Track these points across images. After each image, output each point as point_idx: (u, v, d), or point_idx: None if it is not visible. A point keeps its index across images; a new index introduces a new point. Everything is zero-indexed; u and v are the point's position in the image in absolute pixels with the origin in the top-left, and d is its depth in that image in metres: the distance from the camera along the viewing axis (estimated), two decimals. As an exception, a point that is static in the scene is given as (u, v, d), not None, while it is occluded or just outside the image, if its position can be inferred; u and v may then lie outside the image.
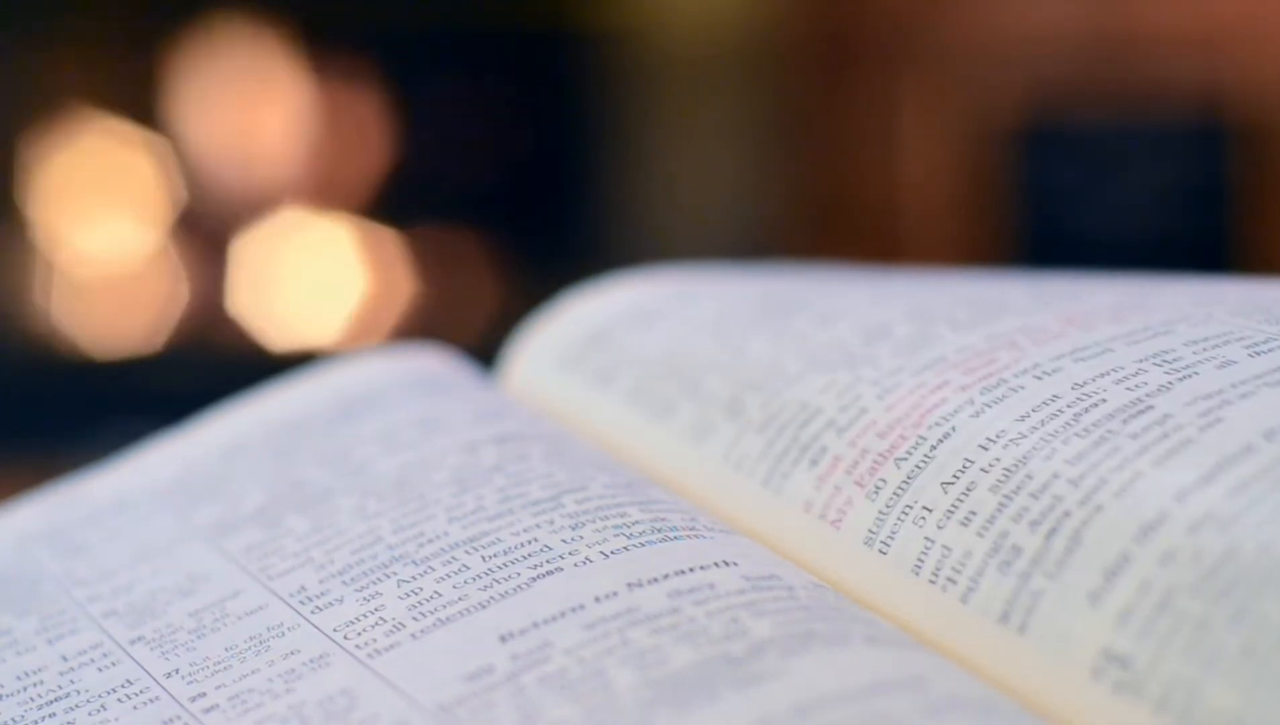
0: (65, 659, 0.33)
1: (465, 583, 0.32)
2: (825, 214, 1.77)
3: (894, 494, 0.33)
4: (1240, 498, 0.28)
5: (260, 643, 0.32)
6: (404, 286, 1.70)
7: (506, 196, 1.75)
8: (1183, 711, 0.26)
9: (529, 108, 1.74)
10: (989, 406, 0.33)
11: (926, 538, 0.32)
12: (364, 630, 0.31)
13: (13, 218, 1.65)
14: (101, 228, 1.67)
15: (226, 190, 1.69)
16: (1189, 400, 0.31)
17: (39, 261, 1.66)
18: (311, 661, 0.31)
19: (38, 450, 1.48)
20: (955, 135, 1.71)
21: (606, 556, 0.32)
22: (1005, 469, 0.31)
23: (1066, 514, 0.30)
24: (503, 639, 0.30)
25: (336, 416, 0.40)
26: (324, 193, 1.70)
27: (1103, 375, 0.33)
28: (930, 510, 0.32)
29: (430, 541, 0.33)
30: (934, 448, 0.33)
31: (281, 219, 1.69)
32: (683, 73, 1.71)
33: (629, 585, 0.31)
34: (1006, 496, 0.31)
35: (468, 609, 0.31)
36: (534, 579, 0.31)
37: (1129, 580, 0.28)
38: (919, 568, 0.31)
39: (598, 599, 0.30)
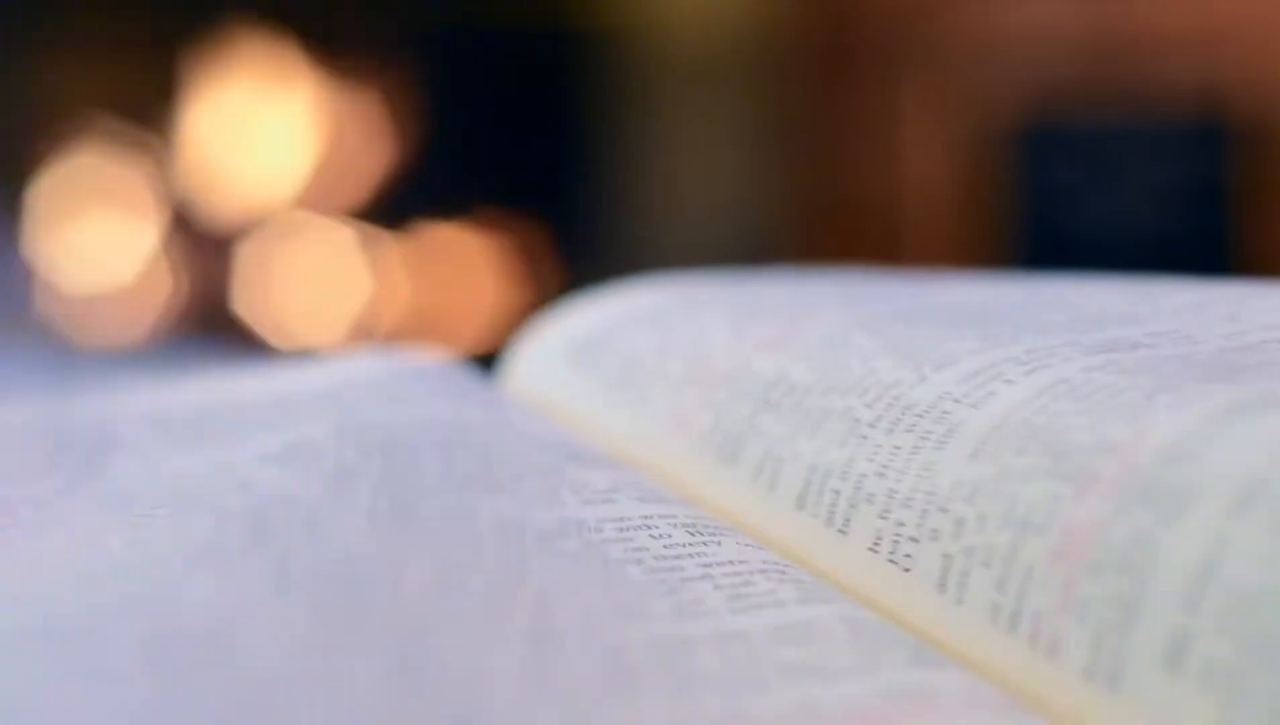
0: None
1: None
2: (825, 214, 1.77)
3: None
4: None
5: None
6: (404, 288, 1.70)
7: (507, 197, 1.75)
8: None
9: (530, 108, 1.74)
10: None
11: (880, 518, 0.33)
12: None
13: (16, 219, 1.65)
14: (105, 229, 1.68)
15: (229, 192, 1.69)
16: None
17: (43, 263, 1.66)
18: None
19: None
20: (955, 135, 1.71)
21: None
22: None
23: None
24: None
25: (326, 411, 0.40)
26: (326, 195, 1.70)
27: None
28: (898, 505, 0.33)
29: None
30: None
31: (283, 221, 1.69)
32: (683, 73, 1.71)
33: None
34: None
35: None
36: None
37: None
38: (877, 548, 0.33)
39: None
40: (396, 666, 0.29)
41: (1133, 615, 0.28)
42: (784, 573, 0.32)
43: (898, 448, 0.33)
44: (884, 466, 0.33)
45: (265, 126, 1.69)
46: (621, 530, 0.33)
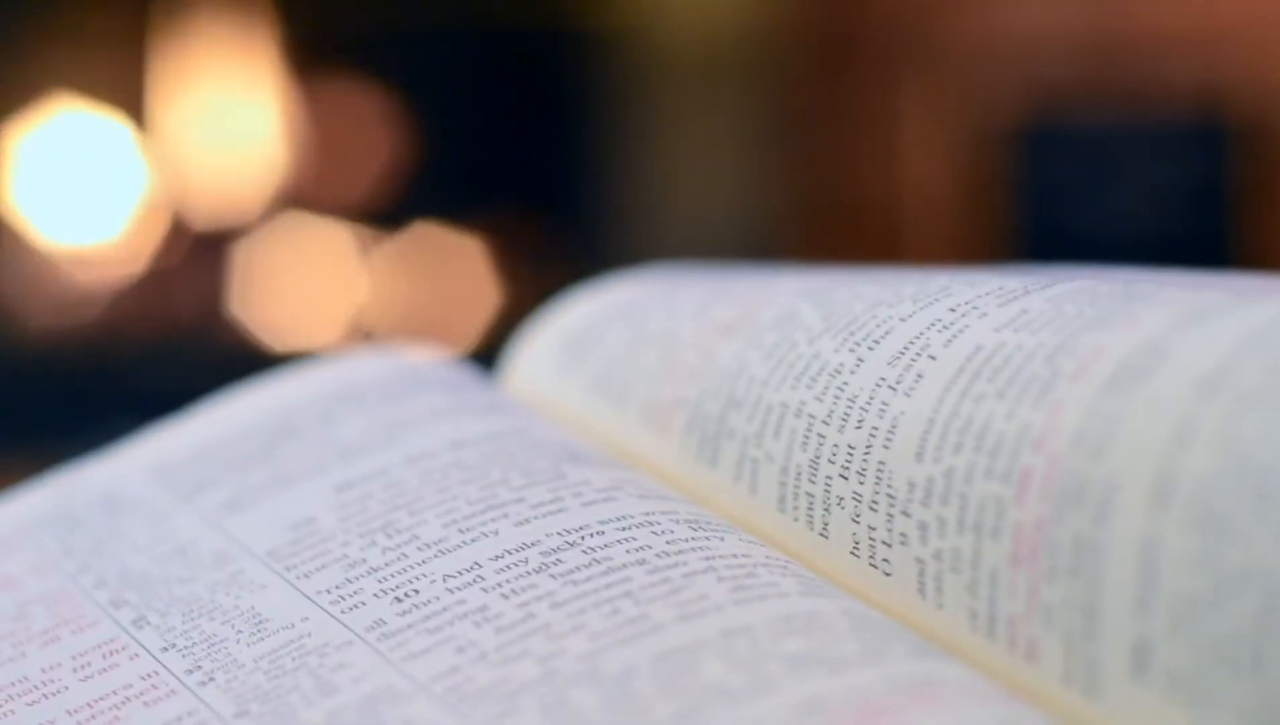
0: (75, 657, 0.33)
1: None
2: (825, 214, 1.77)
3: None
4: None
5: (258, 621, 0.32)
6: (403, 287, 1.70)
7: (506, 196, 1.75)
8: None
9: (530, 108, 1.74)
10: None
11: (853, 522, 0.32)
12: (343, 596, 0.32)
13: (10, 218, 1.65)
14: (100, 229, 1.67)
15: (226, 191, 1.69)
16: None
17: (36, 262, 1.66)
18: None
19: (35, 450, 1.48)
20: (955, 135, 1.71)
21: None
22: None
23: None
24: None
25: (324, 412, 0.40)
26: (323, 193, 1.70)
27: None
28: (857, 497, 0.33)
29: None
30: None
31: (281, 220, 1.69)
32: (683, 73, 1.71)
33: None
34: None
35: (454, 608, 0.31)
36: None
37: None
38: (857, 552, 0.32)
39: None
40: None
41: (1095, 621, 0.27)
42: (786, 567, 0.32)
43: (852, 448, 0.33)
44: (845, 468, 0.33)
45: (259, 126, 1.69)
46: (623, 529, 0.33)
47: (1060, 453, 0.28)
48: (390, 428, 0.38)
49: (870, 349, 0.34)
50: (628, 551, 0.32)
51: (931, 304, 0.34)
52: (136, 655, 0.33)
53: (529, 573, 0.32)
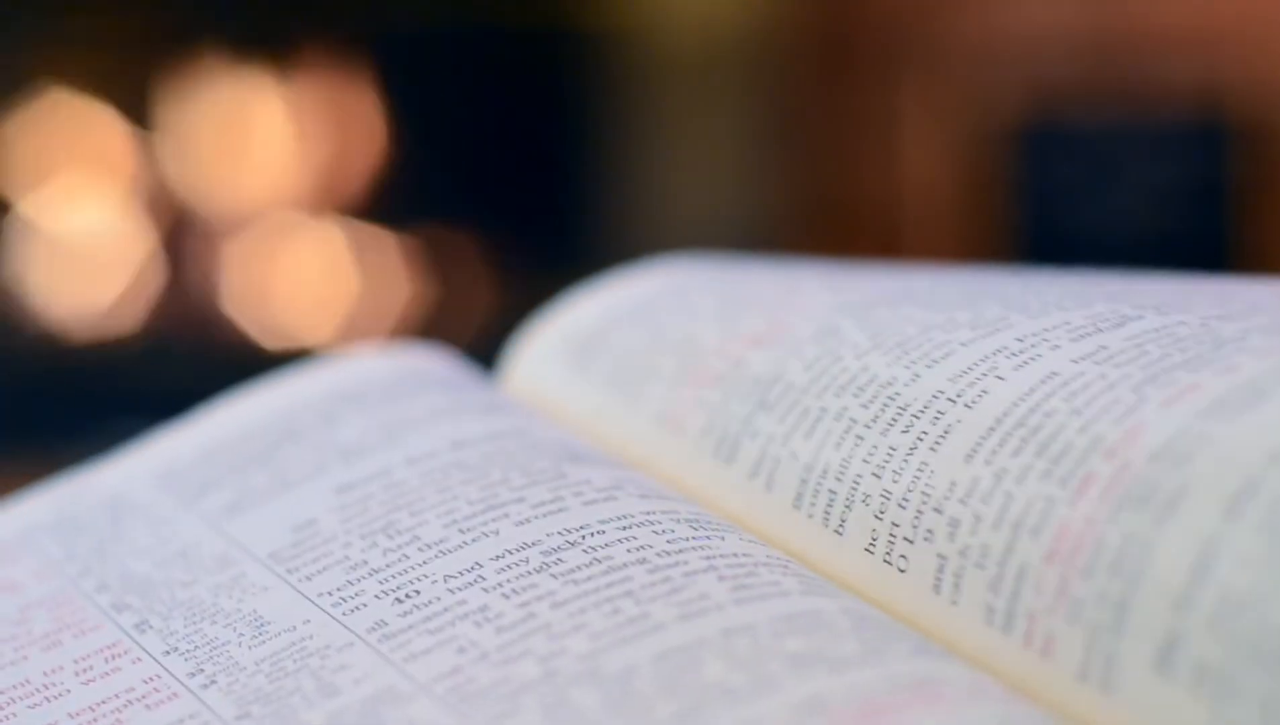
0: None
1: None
2: (825, 214, 1.77)
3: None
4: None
5: (260, 624, 0.32)
6: (403, 287, 1.70)
7: (506, 196, 1.75)
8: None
9: (529, 108, 1.74)
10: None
11: (876, 518, 0.33)
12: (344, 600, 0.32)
13: (8, 216, 1.65)
14: (98, 226, 1.68)
15: (222, 189, 1.69)
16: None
17: (35, 261, 1.66)
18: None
19: (33, 449, 1.48)
20: (955, 135, 1.71)
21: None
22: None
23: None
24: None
25: (325, 413, 0.40)
26: (321, 192, 1.70)
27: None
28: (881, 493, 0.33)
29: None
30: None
31: (278, 218, 1.69)
32: (683, 73, 1.71)
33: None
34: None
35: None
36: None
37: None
38: (873, 549, 0.33)
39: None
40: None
41: (1124, 616, 0.28)
42: (786, 566, 0.32)
43: (893, 448, 0.33)
44: (880, 467, 0.33)
45: (255, 124, 1.69)
46: (624, 528, 0.33)
47: (1134, 461, 0.29)
48: (390, 428, 0.38)
49: (928, 367, 0.34)
50: (628, 551, 0.32)
51: (994, 332, 0.34)
52: (139, 659, 0.33)
53: (530, 572, 0.32)
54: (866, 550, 0.33)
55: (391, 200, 1.71)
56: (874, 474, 0.33)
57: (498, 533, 0.33)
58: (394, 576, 0.33)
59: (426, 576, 0.32)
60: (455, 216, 1.74)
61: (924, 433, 0.33)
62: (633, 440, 0.39)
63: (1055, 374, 0.32)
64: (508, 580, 0.32)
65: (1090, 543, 0.29)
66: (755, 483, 0.35)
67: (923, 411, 0.33)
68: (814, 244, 1.73)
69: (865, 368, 0.35)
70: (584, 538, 0.33)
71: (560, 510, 0.34)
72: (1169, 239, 1.64)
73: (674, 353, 0.40)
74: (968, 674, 0.29)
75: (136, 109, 1.66)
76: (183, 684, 0.32)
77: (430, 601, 0.32)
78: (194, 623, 0.33)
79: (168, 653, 0.33)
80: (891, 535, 0.32)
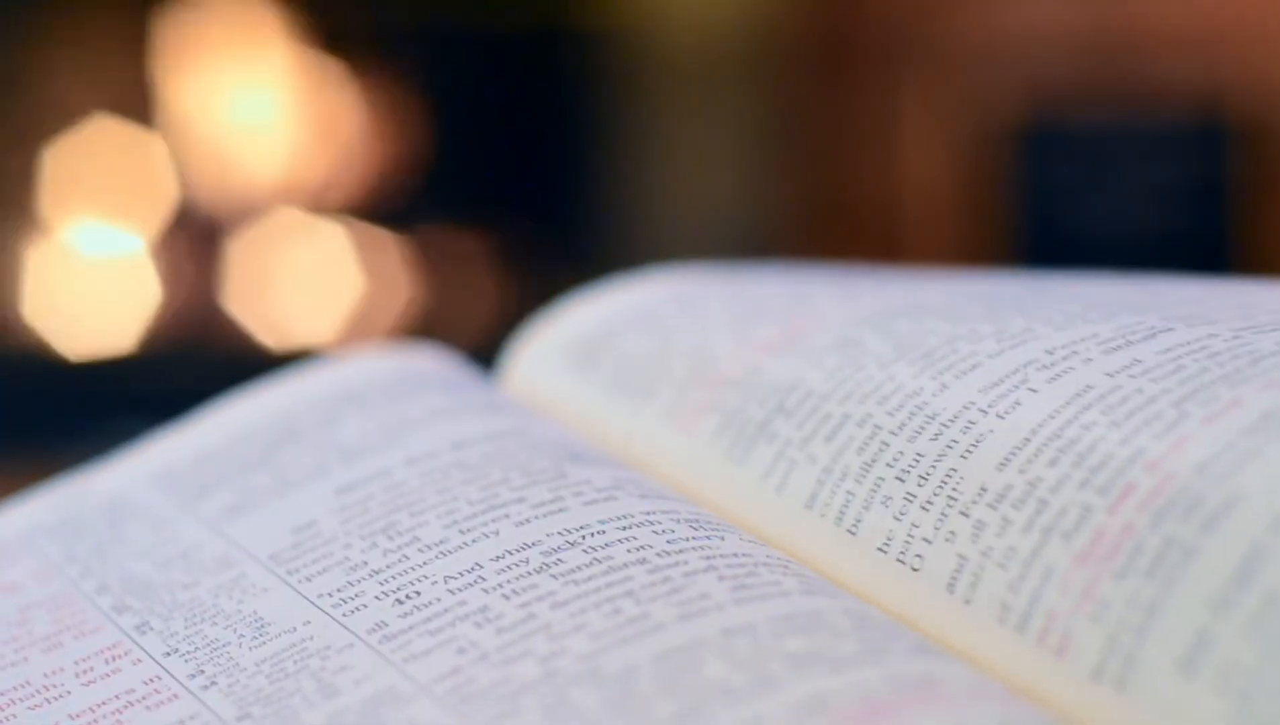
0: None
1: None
2: (825, 214, 1.77)
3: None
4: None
5: (260, 625, 0.32)
6: (403, 287, 1.70)
7: (506, 196, 1.75)
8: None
9: (529, 107, 1.74)
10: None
11: (894, 519, 0.33)
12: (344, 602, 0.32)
13: (8, 217, 1.65)
14: (97, 226, 1.68)
15: (223, 189, 1.69)
16: None
17: (35, 261, 1.66)
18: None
19: (33, 450, 1.48)
20: (955, 135, 1.71)
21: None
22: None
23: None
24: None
25: (325, 414, 0.40)
26: (322, 192, 1.70)
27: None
28: (899, 495, 0.33)
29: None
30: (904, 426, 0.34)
31: (278, 218, 1.69)
32: (683, 73, 1.71)
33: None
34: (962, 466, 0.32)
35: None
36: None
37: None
38: (886, 548, 0.33)
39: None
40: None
41: (1153, 617, 0.28)
42: (787, 566, 0.32)
43: (921, 454, 0.33)
44: (905, 471, 0.33)
45: (256, 123, 1.69)
46: (624, 528, 0.33)
47: (1178, 473, 0.30)
48: (391, 429, 0.39)
49: (957, 378, 0.34)
50: (628, 551, 0.32)
51: (1021, 344, 0.35)
52: (139, 660, 0.33)
53: (530, 573, 0.32)
54: (880, 550, 0.33)
55: (392, 199, 1.71)
56: (898, 478, 0.33)
57: (498, 533, 0.33)
58: (394, 577, 0.33)
59: (427, 577, 0.32)
60: (457, 217, 1.73)
61: (954, 441, 0.33)
62: (635, 440, 0.39)
63: (1091, 387, 0.32)
64: (508, 581, 0.32)
65: (1128, 547, 0.29)
66: (767, 484, 0.35)
67: (953, 421, 0.33)
68: (814, 244, 1.73)
69: (890, 377, 0.35)
70: (584, 538, 0.33)
71: (560, 510, 0.34)
72: (1169, 239, 1.64)
73: (685, 357, 0.40)
74: (968, 674, 0.29)
75: (136, 109, 1.66)
76: (183, 685, 0.32)
77: (430, 602, 0.32)
78: (194, 624, 0.33)
79: (168, 654, 0.33)
80: (909, 536, 0.32)
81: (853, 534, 0.33)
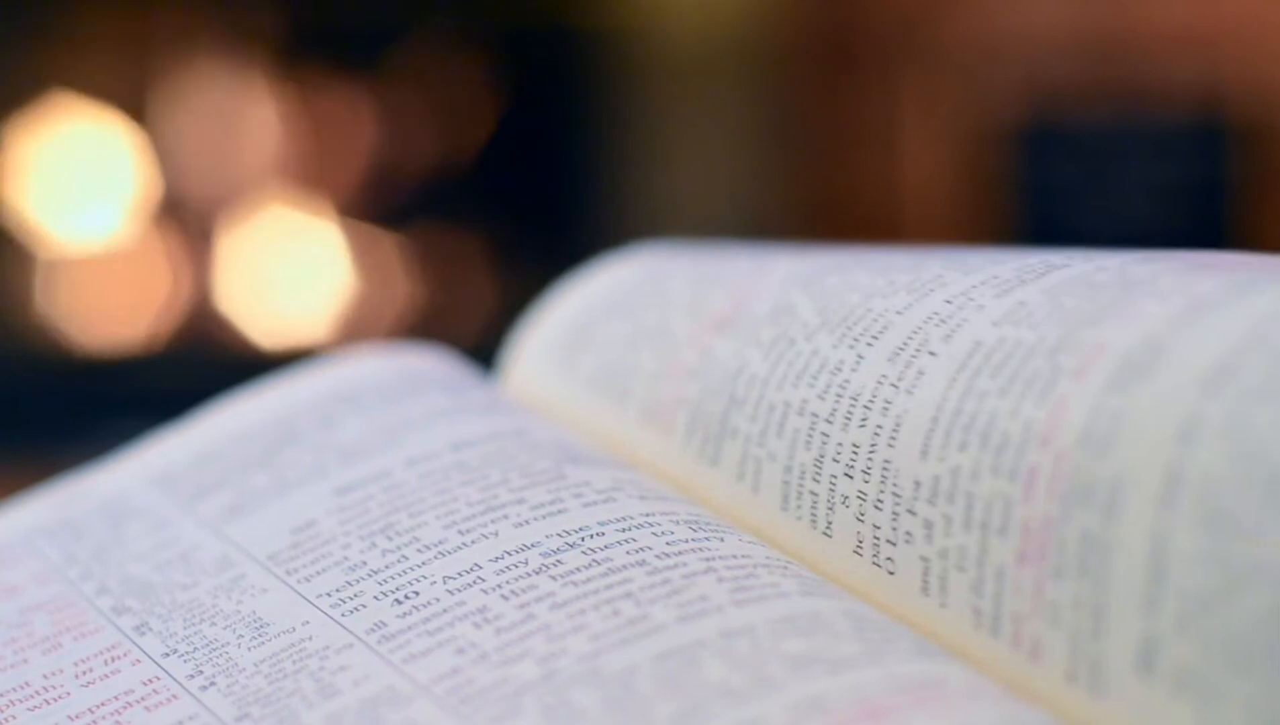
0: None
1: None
2: (825, 214, 1.77)
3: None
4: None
5: (259, 626, 0.33)
6: (401, 286, 1.70)
7: (506, 195, 1.75)
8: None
9: (529, 106, 1.74)
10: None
11: (857, 520, 0.32)
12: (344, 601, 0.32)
13: (4, 217, 1.65)
14: (93, 226, 1.68)
15: (218, 188, 1.69)
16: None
17: (30, 261, 1.66)
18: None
19: (30, 449, 1.48)
20: (955, 135, 1.71)
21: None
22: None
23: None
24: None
25: (324, 414, 0.40)
26: (317, 191, 1.70)
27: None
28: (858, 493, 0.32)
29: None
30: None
31: (273, 217, 1.69)
32: (683, 72, 1.71)
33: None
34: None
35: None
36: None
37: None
38: (860, 551, 0.32)
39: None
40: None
41: (1100, 619, 0.27)
42: (786, 568, 0.32)
43: (857, 446, 0.32)
44: (850, 467, 0.33)
45: (251, 125, 1.69)
46: (624, 530, 0.33)
47: (1066, 450, 0.28)
48: (390, 430, 0.38)
49: (869, 345, 0.34)
50: (628, 552, 0.32)
51: (927, 295, 0.34)
52: (139, 661, 0.33)
53: (529, 574, 0.32)
54: (855, 552, 0.32)
55: (391, 198, 1.71)
56: (846, 474, 0.33)
57: (497, 534, 0.33)
58: (393, 578, 0.33)
59: (425, 578, 0.32)
60: (455, 216, 1.73)
61: (879, 427, 0.32)
62: (625, 440, 0.39)
63: (979, 344, 0.31)
64: (507, 582, 0.32)
65: (1053, 543, 0.28)
66: (743, 485, 0.35)
67: (872, 402, 0.33)
68: (813, 243, 1.73)
69: (816, 351, 0.35)
70: (583, 539, 0.33)
71: (560, 512, 0.34)
72: (1169, 239, 1.64)
73: (651, 344, 0.39)
74: (968, 674, 0.28)
75: (135, 109, 1.66)
76: (182, 686, 0.32)
77: (429, 603, 0.32)
78: (193, 625, 0.33)
79: (167, 655, 0.33)
80: (875, 538, 0.32)
81: (829, 537, 0.33)
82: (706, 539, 0.33)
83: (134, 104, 1.66)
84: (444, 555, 0.33)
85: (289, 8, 1.69)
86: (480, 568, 0.32)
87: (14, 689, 0.33)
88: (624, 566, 0.32)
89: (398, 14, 1.71)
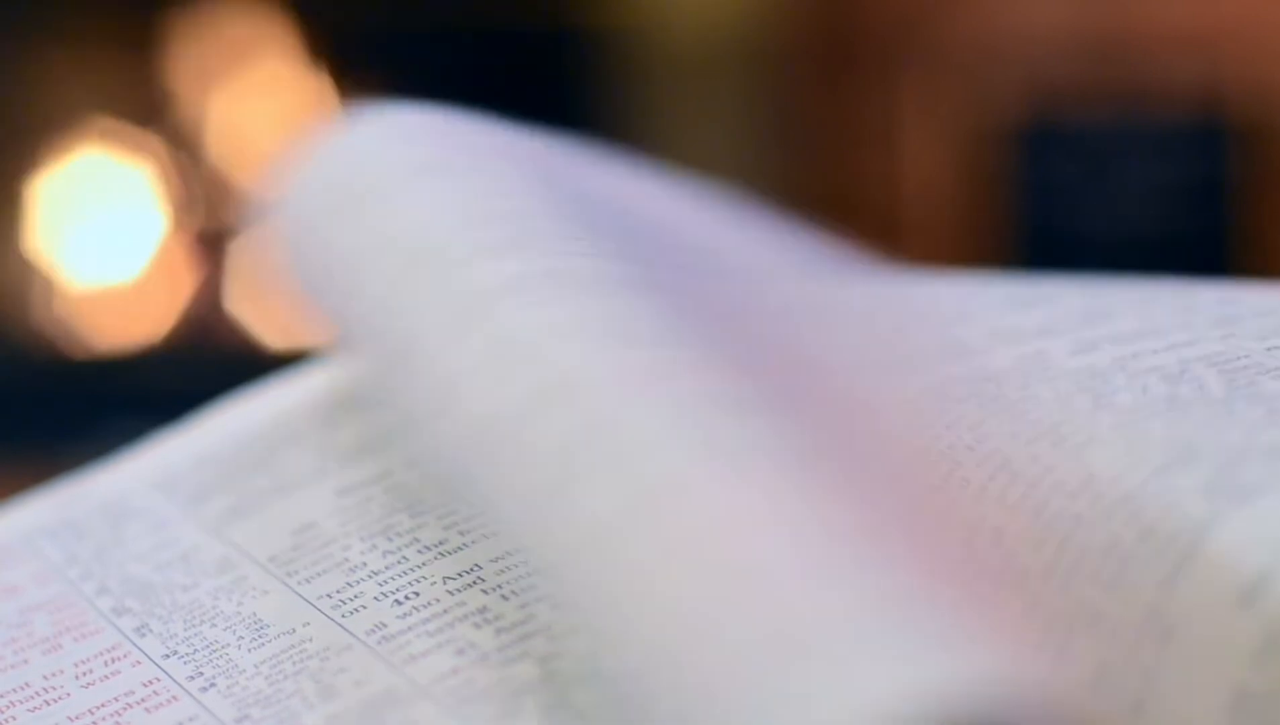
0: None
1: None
2: (825, 214, 1.77)
3: None
4: None
5: (259, 627, 0.33)
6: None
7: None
8: None
9: (529, 106, 1.74)
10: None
11: None
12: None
13: (12, 216, 1.65)
14: (101, 227, 1.68)
15: (225, 189, 1.69)
16: None
17: (39, 261, 1.66)
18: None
19: (38, 449, 1.48)
20: (955, 135, 1.71)
21: None
22: None
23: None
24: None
25: (324, 417, 0.40)
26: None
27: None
28: None
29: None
30: None
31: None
32: (683, 72, 1.71)
33: None
34: None
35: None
36: None
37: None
38: None
39: None
40: None
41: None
42: None
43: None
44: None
45: (261, 122, 1.69)
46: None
47: None
48: (391, 430, 0.38)
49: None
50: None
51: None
52: (139, 662, 0.33)
53: (529, 574, 0.32)
54: None
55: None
56: None
57: (497, 534, 0.33)
58: (393, 579, 0.33)
59: (425, 578, 0.32)
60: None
61: None
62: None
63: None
64: (507, 582, 0.32)
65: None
66: None
67: None
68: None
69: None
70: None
71: None
72: (1169, 238, 1.64)
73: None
74: None
75: (137, 109, 1.66)
76: (182, 687, 0.32)
77: (429, 603, 0.32)
78: (194, 626, 0.33)
79: (167, 656, 0.33)
80: None
81: None
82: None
83: (142, 106, 1.66)
84: (444, 556, 0.33)
85: (302, 7, 1.69)
86: (480, 568, 0.32)
87: (14, 690, 0.33)
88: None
89: (400, 13, 1.71)
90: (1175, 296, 0.36)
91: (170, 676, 0.32)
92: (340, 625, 0.32)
